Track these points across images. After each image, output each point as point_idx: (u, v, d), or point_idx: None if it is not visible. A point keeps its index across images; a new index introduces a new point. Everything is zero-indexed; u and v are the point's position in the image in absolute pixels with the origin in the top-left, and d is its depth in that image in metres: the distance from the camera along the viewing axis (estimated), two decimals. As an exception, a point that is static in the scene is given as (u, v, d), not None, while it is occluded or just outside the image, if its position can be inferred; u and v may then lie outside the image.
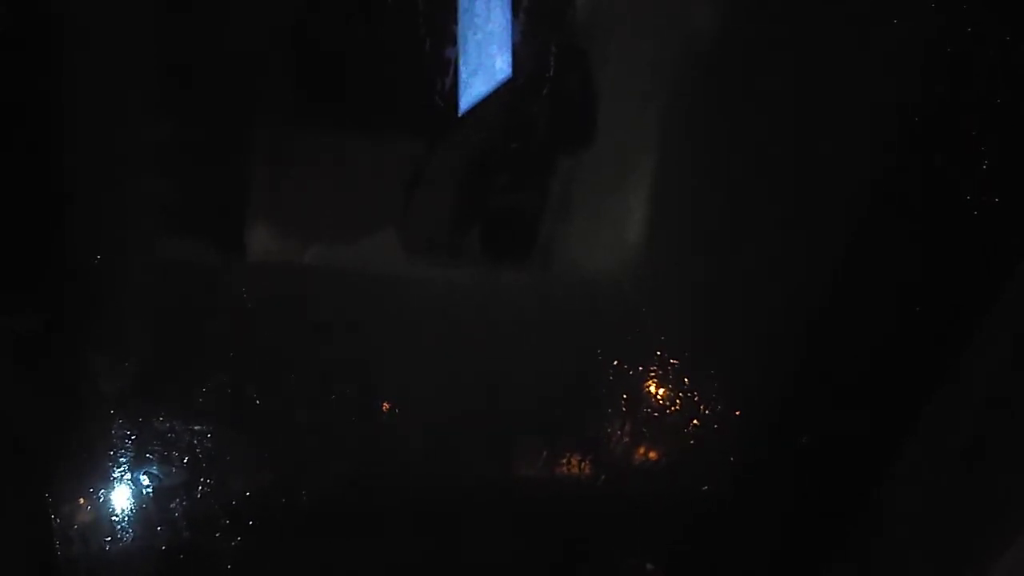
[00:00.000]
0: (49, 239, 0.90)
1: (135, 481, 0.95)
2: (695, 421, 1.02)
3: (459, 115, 0.91)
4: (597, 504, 1.03)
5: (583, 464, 1.02)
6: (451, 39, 0.89)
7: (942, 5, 0.90)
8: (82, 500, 0.95)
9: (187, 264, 0.95)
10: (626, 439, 1.02)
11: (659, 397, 1.01)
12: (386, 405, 0.98)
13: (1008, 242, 0.93)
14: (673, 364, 1.00)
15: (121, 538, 0.95)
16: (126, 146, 0.90)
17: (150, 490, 0.95)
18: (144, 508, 0.95)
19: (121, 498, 0.95)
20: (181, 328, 0.95)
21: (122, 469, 0.95)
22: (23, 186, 0.87)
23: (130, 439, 0.94)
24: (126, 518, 0.95)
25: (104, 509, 0.95)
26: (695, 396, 1.01)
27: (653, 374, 1.01)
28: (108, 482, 0.95)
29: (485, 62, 0.89)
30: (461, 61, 0.89)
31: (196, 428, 0.95)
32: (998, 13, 0.89)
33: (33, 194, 0.88)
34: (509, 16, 0.88)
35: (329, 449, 0.98)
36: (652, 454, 1.03)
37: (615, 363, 1.00)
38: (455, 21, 0.89)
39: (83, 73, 0.86)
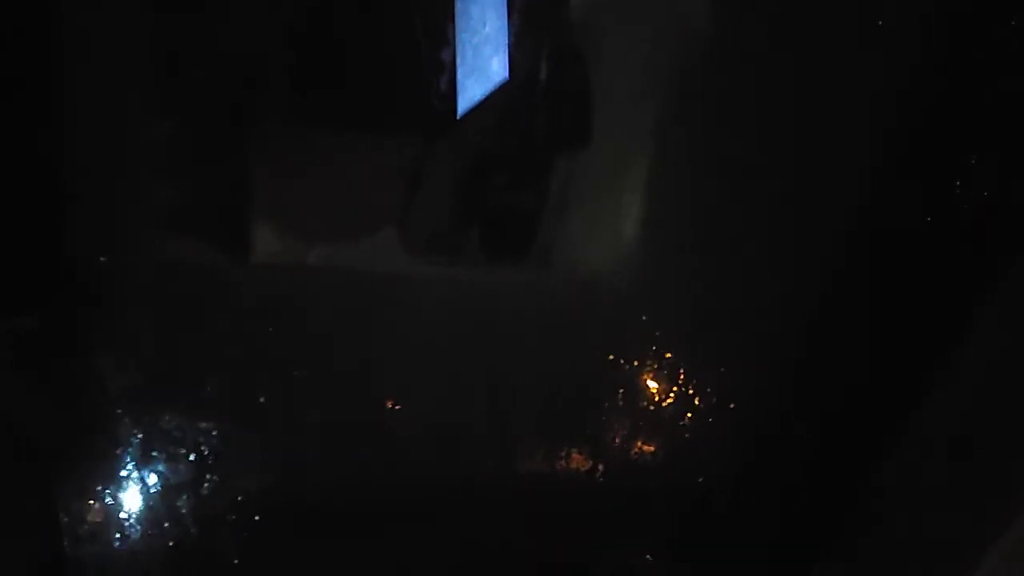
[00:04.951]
0: (53, 240, 0.90)
1: (142, 479, 0.96)
2: (690, 415, 1.03)
3: (457, 117, 0.92)
4: (595, 498, 1.04)
5: (581, 459, 1.03)
6: (448, 42, 0.90)
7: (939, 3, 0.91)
8: (90, 499, 0.96)
9: (191, 264, 0.95)
10: (623, 434, 1.03)
11: (655, 392, 1.02)
12: (389, 403, 0.99)
13: (1005, 238, 0.94)
14: (668, 358, 1.01)
15: (129, 536, 0.96)
16: (129, 146, 0.91)
17: (157, 488, 0.96)
18: (151, 506, 0.96)
19: (128, 496, 0.96)
20: (186, 327, 0.96)
21: (129, 468, 0.96)
22: (26, 187, 0.88)
23: (136, 438, 0.95)
24: (133, 516, 0.96)
25: (112, 507, 0.96)
26: (690, 390, 1.02)
27: (649, 369, 1.02)
28: (115, 481, 0.96)
29: (481, 64, 0.90)
30: (458, 64, 0.90)
31: (202, 426, 0.96)
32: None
33: (36, 195, 0.88)
34: (505, 19, 0.88)
35: (333, 447, 0.99)
36: (648, 448, 1.04)
37: (611, 359, 1.01)
38: (452, 24, 0.89)
39: (84, 73, 0.86)
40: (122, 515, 0.96)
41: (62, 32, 0.86)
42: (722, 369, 1.02)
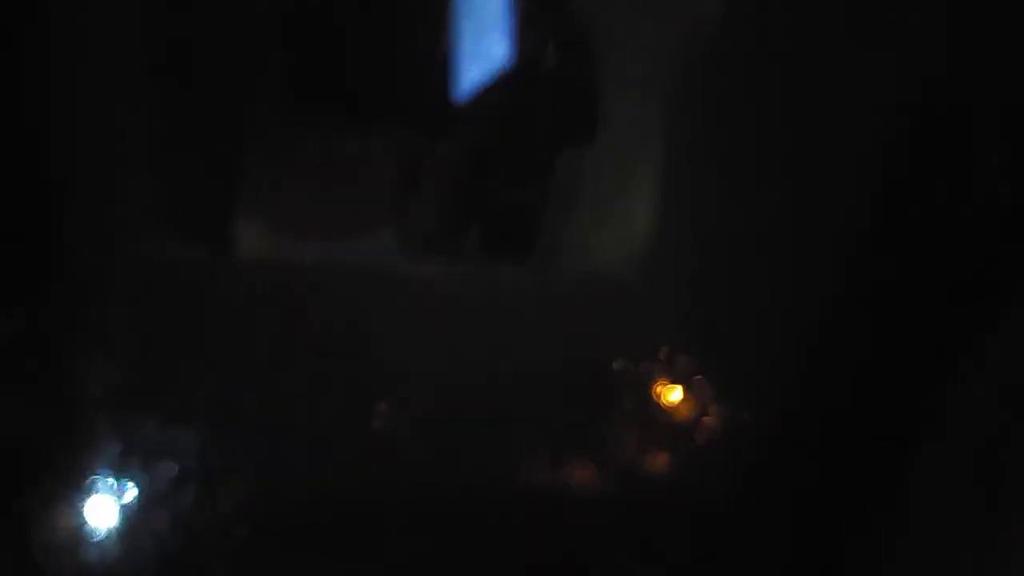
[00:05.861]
0: (37, 239, 0.89)
1: (123, 488, 0.93)
2: (702, 423, 1.01)
3: (458, 110, 0.90)
4: (602, 508, 1.01)
5: (587, 468, 1.01)
6: (448, 32, 0.89)
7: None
8: (67, 508, 0.93)
9: (179, 264, 0.94)
10: (631, 442, 1.01)
11: (664, 399, 1.00)
12: (387, 407, 0.97)
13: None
14: (675, 361, 1.00)
15: (108, 547, 0.93)
16: (118, 144, 0.90)
17: (140, 498, 0.93)
18: (132, 516, 0.93)
19: (108, 506, 0.93)
20: (173, 329, 0.94)
21: (110, 475, 0.93)
22: (17, 185, 0.86)
23: (118, 444, 0.93)
24: (113, 526, 0.93)
25: (90, 517, 0.93)
26: (702, 398, 1.00)
27: (658, 375, 1.00)
28: (95, 489, 0.93)
29: (483, 55, 0.89)
30: (459, 55, 0.89)
31: (187, 432, 0.93)
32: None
33: (21, 192, 0.87)
34: (508, 2, 0.87)
35: (325, 452, 0.97)
36: (658, 457, 1.02)
37: (617, 361, 0.99)
38: (452, 14, 0.88)
39: (76, 70, 0.86)
40: (101, 525, 0.93)
41: (57, 30, 0.84)
42: (734, 375, 1.00)
